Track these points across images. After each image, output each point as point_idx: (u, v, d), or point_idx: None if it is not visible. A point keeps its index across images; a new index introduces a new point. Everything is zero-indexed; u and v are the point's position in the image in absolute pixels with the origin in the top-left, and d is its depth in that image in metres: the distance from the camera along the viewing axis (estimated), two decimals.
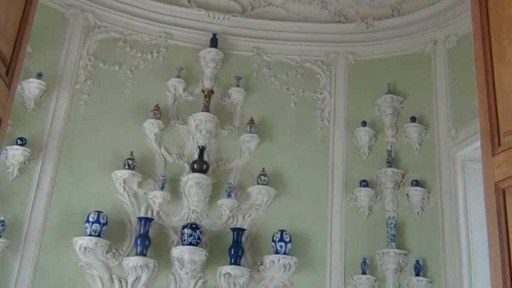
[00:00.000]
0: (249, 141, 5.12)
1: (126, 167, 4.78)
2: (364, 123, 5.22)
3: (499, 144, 2.17)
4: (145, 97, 5.16)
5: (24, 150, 4.57)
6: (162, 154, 5.04)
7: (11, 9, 2.05)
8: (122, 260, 4.56)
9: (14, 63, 2.08)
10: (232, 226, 4.83)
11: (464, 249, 4.49)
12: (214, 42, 5.41)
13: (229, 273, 4.62)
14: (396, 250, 4.72)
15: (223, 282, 4.61)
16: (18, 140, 4.57)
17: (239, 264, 4.64)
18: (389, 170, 4.99)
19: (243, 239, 4.76)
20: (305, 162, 5.14)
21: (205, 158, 5.00)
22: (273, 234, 4.72)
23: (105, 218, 4.53)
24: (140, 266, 4.50)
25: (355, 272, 4.74)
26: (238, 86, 5.34)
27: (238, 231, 4.74)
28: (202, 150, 4.99)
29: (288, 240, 4.70)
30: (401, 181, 5.01)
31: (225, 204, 4.89)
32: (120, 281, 4.54)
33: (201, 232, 4.67)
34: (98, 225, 4.47)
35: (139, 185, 4.86)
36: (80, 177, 4.75)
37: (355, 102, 5.38)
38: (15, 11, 2.10)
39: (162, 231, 4.79)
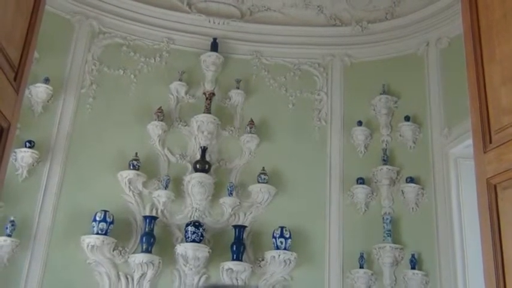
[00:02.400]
0: (249, 142, 5.13)
1: (131, 167, 4.79)
2: (360, 123, 5.22)
3: (490, 142, 2.16)
4: (148, 100, 5.16)
5: (33, 152, 4.58)
6: (166, 155, 5.04)
7: (18, 17, 2.05)
8: (128, 257, 4.57)
9: (22, 69, 2.08)
10: (234, 223, 4.84)
11: (457, 243, 4.49)
12: (214, 47, 5.41)
13: (232, 269, 4.62)
14: (392, 245, 4.72)
15: (226, 277, 4.62)
16: (27, 143, 4.58)
17: (241, 260, 4.64)
18: (385, 168, 5.00)
19: (244, 236, 4.76)
20: (303, 161, 5.14)
21: (207, 158, 5.01)
22: (274, 231, 4.73)
23: (111, 217, 4.53)
24: (146, 262, 4.51)
25: (353, 266, 4.74)
26: (238, 88, 5.34)
27: (240, 228, 4.74)
28: (204, 150, 4.99)
29: (287, 236, 4.70)
30: (397, 178, 5.02)
31: (226, 202, 4.89)
32: (127, 278, 4.55)
33: (204, 229, 4.67)
34: (104, 224, 4.48)
35: (144, 184, 4.86)
36: (86, 177, 4.75)
37: (351, 102, 5.39)
38: (23, 18, 2.10)
39: (167, 229, 4.79)
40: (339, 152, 5.20)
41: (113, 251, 4.56)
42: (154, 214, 4.76)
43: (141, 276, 4.53)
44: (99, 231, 4.45)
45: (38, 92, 4.78)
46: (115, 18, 5.35)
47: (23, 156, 4.55)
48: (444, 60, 5.10)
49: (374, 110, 5.32)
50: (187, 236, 4.61)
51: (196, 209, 4.85)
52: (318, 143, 5.26)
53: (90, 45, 5.23)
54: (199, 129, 5.07)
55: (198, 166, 4.92)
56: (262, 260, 4.75)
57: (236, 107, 5.35)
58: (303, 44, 5.59)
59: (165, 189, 4.80)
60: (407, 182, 4.91)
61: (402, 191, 4.93)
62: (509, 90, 2.11)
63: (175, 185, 4.91)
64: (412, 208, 4.88)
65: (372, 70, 5.45)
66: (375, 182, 5.04)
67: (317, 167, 5.13)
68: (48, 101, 4.85)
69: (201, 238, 4.62)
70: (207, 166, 4.94)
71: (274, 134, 5.26)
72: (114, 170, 4.80)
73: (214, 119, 5.11)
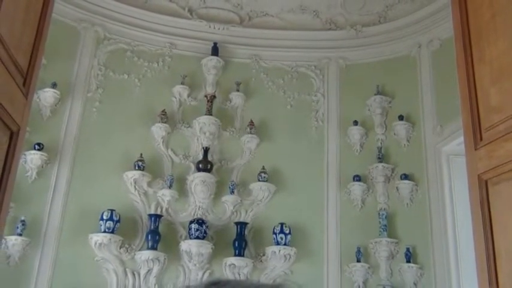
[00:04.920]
0: (249, 142, 5.12)
1: (136, 168, 4.79)
2: (355, 123, 5.22)
3: (481, 139, 2.17)
4: (152, 103, 5.16)
5: (42, 154, 4.58)
6: (169, 155, 5.04)
7: (26, 25, 2.05)
8: (135, 254, 4.57)
9: (31, 75, 2.08)
10: (235, 220, 4.83)
11: (450, 237, 4.49)
12: (215, 51, 5.41)
13: (234, 264, 4.62)
14: (388, 239, 4.72)
15: (229, 272, 4.62)
16: (36, 145, 4.58)
17: (243, 256, 4.64)
18: (380, 165, 4.99)
19: (246, 232, 4.76)
20: (302, 159, 5.14)
21: (210, 158, 5.00)
22: (274, 227, 4.72)
23: (118, 216, 4.53)
24: (151, 259, 4.51)
25: (351, 260, 4.74)
26: (238, 90, 5.34)
27: (242, 225, 4.74)
28: (206, 150, 4.99)
29: (287, 232, 4.70)
30: (391, 175, 5.01)
31: (228, 200, 4.89)
32: (133, 274, 4.55)
33: (207, 227, 4.67)
34: (111, 222, 4.48)
35: (149, 184, 4.86)
36: (93, 178, 4.75)
37: (346, 103, 5.38)
38: (31, 26, 2.10)
39: (171, 226, 4.79)
40: (336, 150, 5.20)
41: (120, 248, 4.56)
42: (159, 212, 4.75)
43: (147, 272, 4.54)
44: (106, 230, 4.45)
45: (46, 96, 4.78)
46: (119, 25, 5.35)
47: (32, 159, 4.55)
48: (436, 61, 5.10)
49: (369, 110, 5.32)
50: (191, 233, 4.61)
51: (199, 207, 4.85)
52: (315, 142, 5.26)
53: (96, 51, 5.23)
54: (201, 131, 5.07)
55: (200, 166, 4.92)
56: (263, 255, 4.75)
57: (236, 109, 5.34)
58: (299, 48, 5.59)
59: (169, 188, 4.79)
60: (401, 178, 4.90)
61: (397, 187, 4.93)
62: (498, 90, 2.11)
63: (179, 184, 4.91)
64: (407, 204, 4.88)
65: (366, 72, 5.45)
66: (371, 179, 5.04)
67: (315, 165, 5.13)
68: (56, 105, 4.85)
69: (205, 235, 4.62)
70: (209, 166, 4.94)
71: (274, 134, 5.26)
72: (120, 171, 4.80)
73: (216, 121, 5.11)
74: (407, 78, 5.27)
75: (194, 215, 4.81)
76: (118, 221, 4.52)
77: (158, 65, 5.38)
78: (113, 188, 4.76)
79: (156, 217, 4.63)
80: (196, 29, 5.53)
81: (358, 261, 4.70)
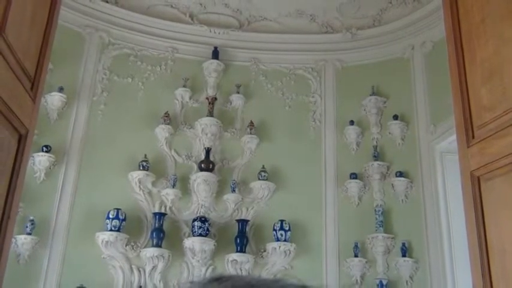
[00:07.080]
0: (249, 142, 5.13)
1: (141, 168, 4.79)
2: (351, 122, 5.22)
3: (473, 137, 2.17)
4: (155, 105, 5.16)
5: (49, 156, 4.58)
6: (173, 156, 5.04)
7: (33, 31, 2.05)
8: (140, 251, 4.57)
9: (38, 79, 2.08)
10: (237, 218, 4.84)
11: (444, 231, 4.49)
12: (215, 55, 5.41)
13: (236, 260, 4.62)
14: (384, 234, 4.72)
15: (231, 268, 4.62)
16: (44, 148, 4.58)
17: (244, 252, 4.64)
18: (376, 163, 4.99)
19: (247, 229, 4.76)
20: (300, 158, 5.14)
21: (211, 158, 5.01)
22: (274, 224, 4.73)
23: (123, 215, 4.53)
24: (156, 256, 4.51)
25: (348, 255, 4.74)
26: (238, 93, 5.34)
27: (243, 222, 4.74)
28: (208, 151, 4.99)
29: (287, 228, 4.70)
30: (387, 173, 5.01)
31: (230, 198, 4.89)
32: (139, 270, 4.55)
33: (209, 224, 4.67)
34: (117, 221, 4.48)
35: (153, 184, 4.86)
36: (100, 178, 4.75)
37: (343, 103, 5.38)
38: (37, 32, 2.10)
39: (175, 224, 4.80)
40: (333, 149, 5.20)
41: (126, 246, 4.56)
42: (163, 211, 4.75)
43: (152, 269, 4.54)
44: (113, 228, 4.45)
45: (53, 100, 4.78)
46: (123, 30, 5.35)
47: (40, 160, 4.55)
48: (429, 62, 5.10)
49: (364, 110, 5.32)
50: (194, 231, 4.61)
51: (202, 205, 4.85)
52: (313, 141, 5.26)
53: (101, 55, 5.23)
54: (203, 132, 5.08)
55: (202, 166, 4.92)
56: (264, 251, 4.75)
57: (237, 110, 5.35)
58: (297, 51, 5.59)
59: (173, 187, 4.80)
60: (396, 176, 4.91)
61: (392, 184, 4.93)
62: (489, 90, 2.11)
63: (182, 183, 4.91)
64: (402, 200, 4.88)
65: (361, 73, 5.45)
66: (367, 177, 5.04)
67: (313, 164, 5.13)
68: (62, 109, 4.85)
69: (207, 232, 4.62)
70: (211, 165, 4.94)
71: (273, 135, 5.26)
72: (125, 171, 4.80)
73: (217, 122, 5.11)
74: (402, 79, 5.27)
75: (197, 213, 4.81)
76: (124, 220, 4.52)
77: (161, 68, 5.38)
78: (118, 188, 4.76)
79: (160, 215, 4.63)
80: (197, 34, 5.53)
81: (356, 256, 4.71)
